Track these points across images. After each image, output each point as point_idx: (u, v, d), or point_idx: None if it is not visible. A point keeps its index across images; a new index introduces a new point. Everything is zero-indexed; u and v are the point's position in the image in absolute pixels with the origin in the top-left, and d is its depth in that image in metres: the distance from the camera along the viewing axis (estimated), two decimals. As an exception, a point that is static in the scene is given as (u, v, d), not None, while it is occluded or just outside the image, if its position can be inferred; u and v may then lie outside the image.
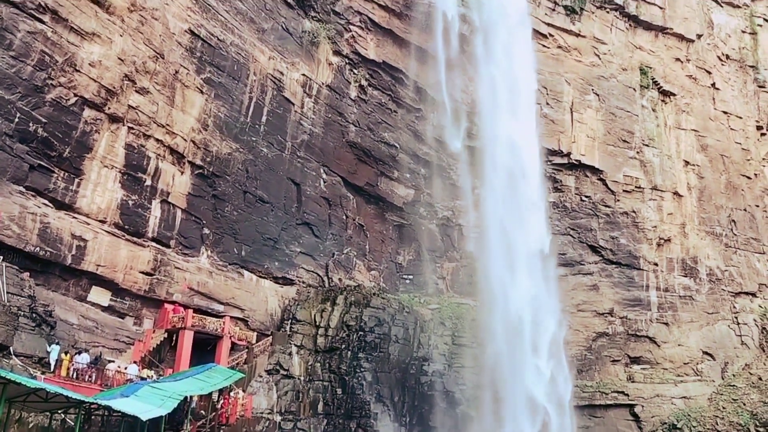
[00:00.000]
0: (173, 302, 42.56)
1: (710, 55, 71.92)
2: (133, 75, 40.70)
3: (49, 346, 33.10)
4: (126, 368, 35.57)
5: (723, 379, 59.77)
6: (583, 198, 62.20)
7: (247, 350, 45.28)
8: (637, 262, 61.59)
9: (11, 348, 31.04)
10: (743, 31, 74.77)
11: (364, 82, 55.83)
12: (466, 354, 49.98)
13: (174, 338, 41.86)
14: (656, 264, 62.30)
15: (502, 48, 58.71)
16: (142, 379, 34.88)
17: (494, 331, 49.86)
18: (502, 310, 50.53)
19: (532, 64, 60.10)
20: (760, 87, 74.00)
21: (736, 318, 63.37)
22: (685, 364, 60.03)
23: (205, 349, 42.96)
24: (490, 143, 56.95)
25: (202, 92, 45.20)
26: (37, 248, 35.83)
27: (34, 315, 33.37)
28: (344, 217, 54.81)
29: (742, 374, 59.66)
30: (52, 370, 32.27)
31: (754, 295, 65.80)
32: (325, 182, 53.70)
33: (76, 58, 37.65)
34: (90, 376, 33.69)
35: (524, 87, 59.07)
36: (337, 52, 54.61)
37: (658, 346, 59.97)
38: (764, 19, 75.77)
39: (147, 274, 41.33)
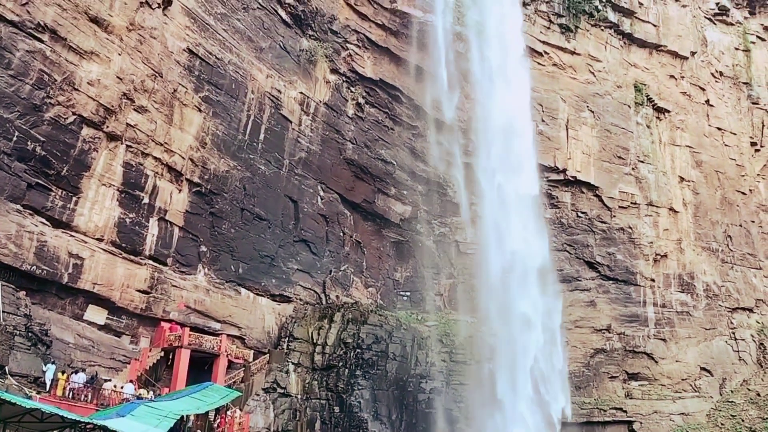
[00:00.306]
0: (170, 320, 42.42)
1: (704, 72, 72.55)
2: (132, 93, 40.89)
3: (45, 365, 32.96)
4: (122, 387, 35.37)
5: (721, 395, 59.68)
6: (580, 214, 62.42)
7: (243, 368, 45.05)
8: (634, 278, 61.69)
9: (6, 367, 30.93)
10: (737, 49, 75.50)
11: (361, 100, 56.16)
12: (464, 371, 49.82)
13: (170, 357, 41.63)
14: (653, 280, 62.42)
15: (497, 65, 59.15)
16: (139, 398, 34.64)
17: (493, 348, 49.83)
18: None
19: (527, 81, 60.53)
20: (753, 103, 74.59)
21: (734, 334, 63.39)
22: (683, 380, 59.96)
23: (201, 367, 42.73)
24: (486, 160, 57.24)
25: (200, 110, 45.39)
26: (34, 267, 35.75)
27: (29, 334, 33.25)
28: (341, 234, 54.85)
29: (740, 390, 59.57)
30: (47, 389, 32.10)
31: (751, 310, 65.89)
32: (322, 199, 53.80)
33: (75, 77, 37.83)
34: (86, 396, 33.48)
35: (519, 104, 59.44)
36: (334, 70, 54.96)
37: (656, 362, 59.93)
38: (757, 37, 76.56)
39: (144, 292, 41.24)
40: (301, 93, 52.61)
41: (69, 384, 33.00)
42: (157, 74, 42.59)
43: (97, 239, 39.13)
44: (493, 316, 51.72)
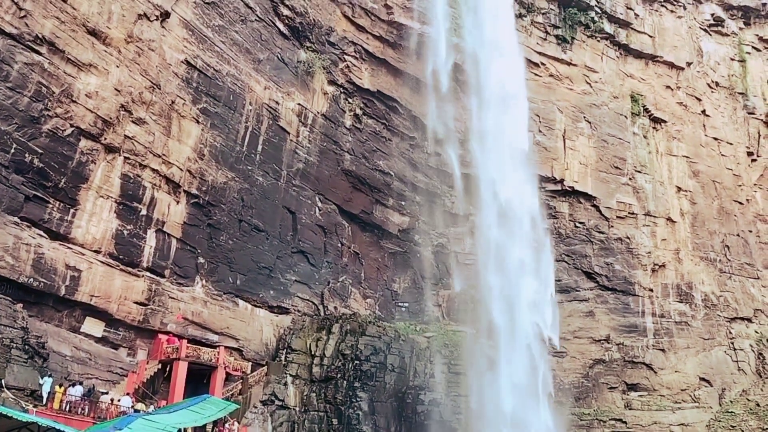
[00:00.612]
0: (167, 332, 42.27)
1: (700, 83, 72.87)
2: (130, 105, 40.94)
3: (42, 378, 32.76)
4: (119, 400, 35.13)
5: (720, 405, 59.39)
6: (577, 224, 62.46)
7: (241, 381, 44.85)
8: (632, 288, 61.62)
9: (3, 381, 30.70)
10: (732, 59, 75.89)
11: (358, 111, 56.29)
12: (463, 382, 49.58)
13: (168, 369, 41.46)
14: (651, 290, 62.34)
15: (494, 77, 59.35)
16: (136, 411, 34.40)
17: (492, 359, 49.61)
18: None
19: (524, 92, 60.74)
20: (749, 113, 74.85)
21: (732, 344, 63.20)
22: (682, 390, 59.70)
23: (199, 379, 42.52)
24: (484, 170, 57.29)
25: (198, 122, 45.44)
26: (31, 279, 35.63)
27: (26, 347, 33.06)
28: (339, 245, 54.80)
29: (739, 400, 59.33)
30: (44, 402, 31.89)
31: (749, 320, 65.70)
32: (320, 210, 53.79)
33: (73, 89, 37.89)
34: (83, 409, 33.27)
35: (517, 114, 59.60)
36: (332, 82, 55.12)
37: (655, 372, 59.72)
38: (752, 47, 76.96)
39: (141, 304, 41.10)
40: (299, 104, 52.73)
41: (66, 397, 32.79)
42: (155, 86, 42.66)
43: (95, 251, 39.04)
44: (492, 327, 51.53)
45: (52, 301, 37.28)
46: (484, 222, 56.01)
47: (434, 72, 57.64)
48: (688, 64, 71.99)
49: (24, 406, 29.91)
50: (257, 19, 50.57)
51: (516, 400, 48.15)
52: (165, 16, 43.87)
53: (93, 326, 39.05)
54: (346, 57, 55.60)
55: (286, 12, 52.32)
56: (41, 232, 36.67)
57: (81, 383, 34.93)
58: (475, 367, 49.57)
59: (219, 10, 47.77)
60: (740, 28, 76.90)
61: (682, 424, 57.04)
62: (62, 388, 33.03)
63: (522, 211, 56.47)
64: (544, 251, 57.21)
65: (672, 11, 72.64)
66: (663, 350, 60.59)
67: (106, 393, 36.07)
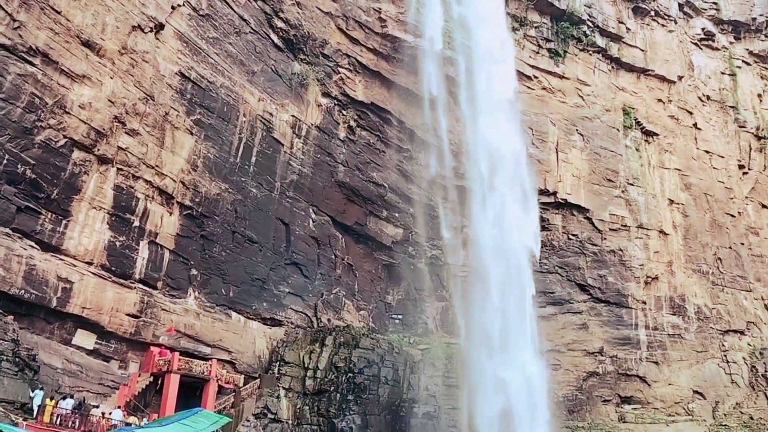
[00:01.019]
0: (159, 345, 41.97)
1: (691, 96, 73.47)
2: (123, 117, 40.88)
3: (33, 391, 32.45)
4: (111, 413, 34.79)
5: (714, 418, 59.38)
6: (571, 236, 62.61)
7: (234, 393, 44.52)
8: (625, 301, 61.72)
9: (-7, 394, 30.36)
10: (723, 73, 76.60)
11: (352, 123, 56.40)
12: (457, 395, 49.37)
13: (160, 382, 41.13)
14: (644, 302, 62.46)
15: (487, 89, 59.60)
16: (127, 424, 34.09)
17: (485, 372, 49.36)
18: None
19: (517, 105, 61.02)
20: (740, 127, 75.47)
21: (726, 356, 63.31)
22: (676, 403, 59.71)
23: (191, 392, 42.17)
24: (477, 182, 57.38)
25: (191, 133, 45.40)
26: (22, 291, 35.37)
27: (17, 359, 32.76)
28: (333, 256, 54.68)
29: (733, 413, 59.34)
30: (34, 416, 31.55)
31: (742, 333, 65.86)
32: (314, 222, 53.71)
33: (66, 100, 37.82)
34: (73, 422, 32.95)
35: (510, 126, 59.79)
36: (325, 94, 55.24)
37: (649, 385, 59.71)
38: (743, 61, 77.73)
39: (133, 316, 40.82)
40: (293, 116, 52.79)
41: (56, 410, 32.45)
42: (148, 97, 42.63)
43: (87, 263, 38.81)
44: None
45: (43, 313, 36.98)
46: (479, 234, 55.98)
47: (427, 84, 57.84)
48: (680, 77, 72.62)
49: (14, 419, 29.59)
50: (251, 31, 50.72)
51: (511, 412, 47.90)
52: (159, 27, 43.92)
53: (84, 338, 38.74)
54: (340, 69, 55.78)
55: (280, 24, 52.52)
56: (33, 244, 36.44)
57: (72, 396, 34.59)
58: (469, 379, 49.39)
59: (213, 22, 47.89)
60: (731, 43, 77.73)
61: (677, 437, 57.01)
62: (53, 401, 32.70)
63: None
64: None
65: (663, 25, 73.36)
66: (656, 363, 60.61)
67: (98, 406, 35.76)
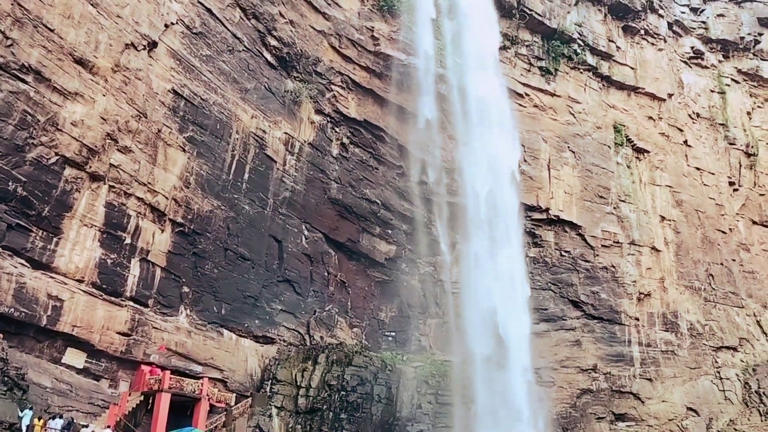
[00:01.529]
0: (150, 363, 41.54)
1: (681, 114, 74.19)
2: (116, 134, 40.82)
3: (21, 411, 32.00)
4: (100, 433, 34.40)
5: (708, 436, 59.26)
6: (563, 253, 62.71)
7: (225, 412, 44.07)
8: (618, 317, 61.73)
9: (-19, 414, 29.95)
10: (712, 91, 77.47)
11: (345, 140, 56.54)
12: (450, 413, 49.06)
13: (151, 401, 40.68)
14: (637, 319, 62.49)
15: (478, 107, 60.00)
16: (117, 444, 33.69)
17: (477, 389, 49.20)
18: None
19: (509, 122, 61.42)
20: (730, 144, 76.20)
21: (719, 373, 63.29)
22: (669, 420, 59.51)
23: (182, 411, 41.72)
24: (470, 199, 57.59)
25: (184, 150, 45.37)
26: (12, 309, 35.02)
27: (6, 378, 32.38)
28: (326, 273, 54.52)
29: (727, 430, 59.22)
30: (22, 436, 31.10)
31: (735, 349, 65.95)
32: (306, 239, 53.60)
33: (59, 118, 37.75)
34: (62, 443, 32.48)
35: (501, 144, 60.14)
36: (318, 111, 55.43)
37: (643, 402, 59.53)
38: (732, 80, 78.66)
39: (124, 334, 40.45)
40: (286, 133, 52.88)
41: (45, 430, 32.01)
42: (141, 115, 42.63)
43: (78, 280, 38.51)
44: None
45: (33, 332, 36.59)
46: (471, 251, 56.07)
47: (420, 101, 58.16)
48: (670, 95, 73.38)
49: (1, 440, 29.17)
50: (245, 49, 50.94)
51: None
52: (152, 45, 44.05)
53: (74, 357, 38.32)
54: (333, 87, 56.03)
55: (273, 42, 52.78)
56: (23, 261, 36.15)
57: (61, 416, 34.13)
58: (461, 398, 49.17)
59: (207, 40, 48.09)
60: (719, 61, 78.69)
61: (671, 454, 56.76)
62: (42, 420, 32.28)
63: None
64: None
65: (653, 44, 74.22)
66: (650, 380, 60.51)
67: (87, 426, 35.28)
